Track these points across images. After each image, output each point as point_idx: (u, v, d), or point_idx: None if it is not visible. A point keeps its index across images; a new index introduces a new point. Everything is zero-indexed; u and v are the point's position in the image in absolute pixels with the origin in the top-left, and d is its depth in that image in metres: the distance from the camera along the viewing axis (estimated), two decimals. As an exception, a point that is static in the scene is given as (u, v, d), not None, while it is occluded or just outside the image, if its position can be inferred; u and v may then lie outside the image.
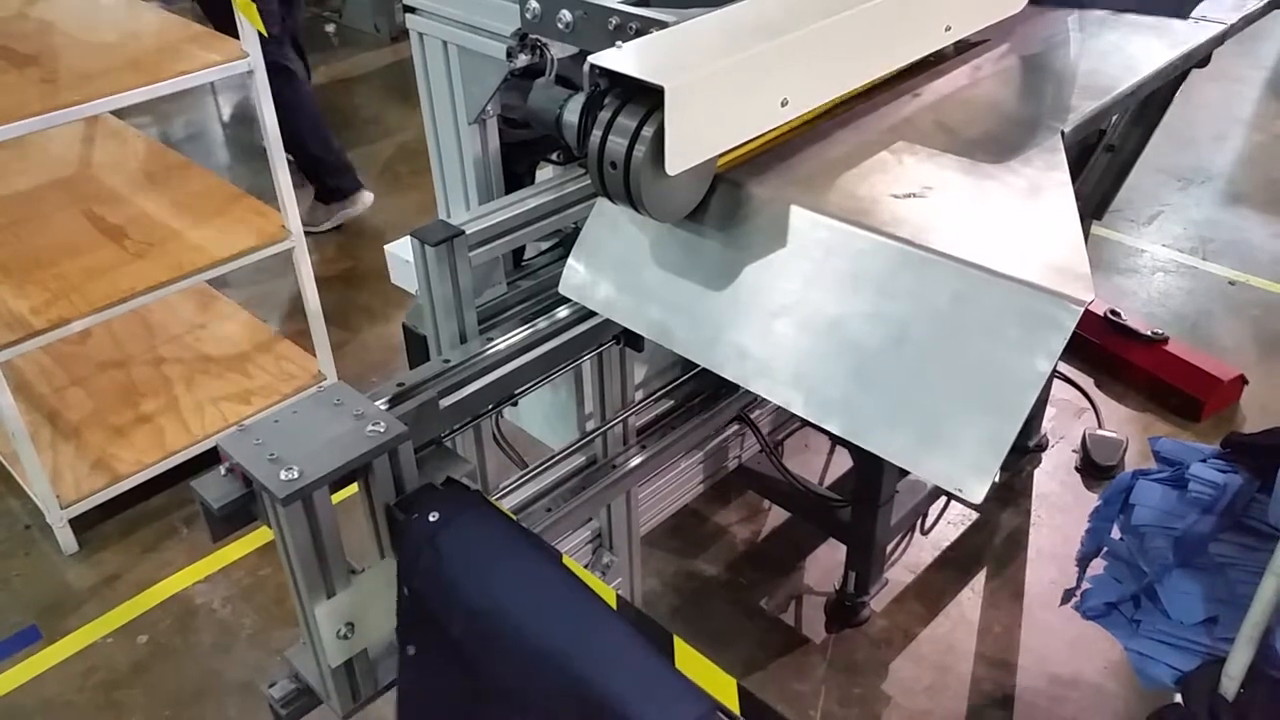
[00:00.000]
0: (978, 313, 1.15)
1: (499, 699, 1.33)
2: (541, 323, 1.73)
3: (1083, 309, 1.10)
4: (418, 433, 1.46)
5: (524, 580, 1.30)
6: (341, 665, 1.45)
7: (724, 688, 1.19)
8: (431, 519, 1.33)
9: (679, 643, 1.24)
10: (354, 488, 1.38)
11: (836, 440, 2.58)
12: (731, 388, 2.11)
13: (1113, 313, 3.47)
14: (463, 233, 1.68)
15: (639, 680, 1.18)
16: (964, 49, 1.66)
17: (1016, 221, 1.26)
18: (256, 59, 2.77)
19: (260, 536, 2.93)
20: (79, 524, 2.94)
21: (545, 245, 2.15)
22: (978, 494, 1.11)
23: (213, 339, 3.53)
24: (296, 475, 1.26)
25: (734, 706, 1.18)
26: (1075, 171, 1.38)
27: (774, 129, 1.36)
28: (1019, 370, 1.12)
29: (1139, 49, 1.71)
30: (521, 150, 2.15)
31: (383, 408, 1.47)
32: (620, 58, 1.22)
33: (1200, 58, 1.85)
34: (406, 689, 1.47)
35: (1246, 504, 2.47)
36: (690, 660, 1.23)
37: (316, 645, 1.44)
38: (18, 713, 2.52)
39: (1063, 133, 1.44)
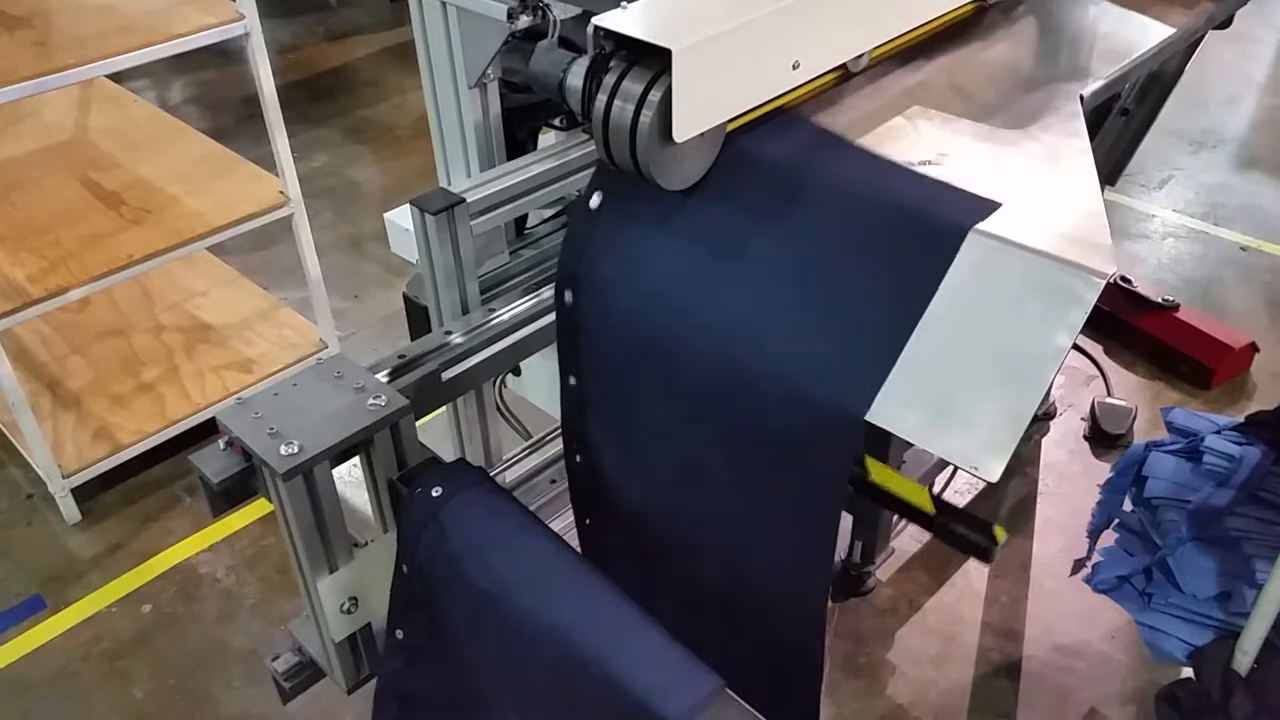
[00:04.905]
0: (995, 285, 1.12)
1: (498, 680, 1.32)
2: (545, 292, 1.69)
3: (1104, 281, 1.06)
4: (420, 405, 1.43)
5: (530, 557, 1.28)
6: (345, 639, 1.44)
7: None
8: (434, 493, 1.31)
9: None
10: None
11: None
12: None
13: (1123, 279, 3.43)
14: (464, 201, 1.65)
15: (648, 659, 1.16)
16: (981, 9, 1.61)
17: (1035, 190, 1.22)
18: (253, 22, 2.72)
19: (264, 505, 2.90)
20: (81, 493, 2.92)
21: (548, 213, 2.11)
22: (994, 473, 1.08)
23: (213, 307, 3.50)
24: (296, 450, 1.24)
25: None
26: (1089, 136, 1.34)
27: (785, 93, 1.32)
28: (1037, 344, 1.08)
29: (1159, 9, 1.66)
30: (523, 115, 2.10)
31: (383, 380, 1.44)
32: (626, 19, 1.18)
33: (1221, 19, 1.80)
34: (389, 676, 1.46)
35: (1262, 477, 2.44)
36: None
37: (320, 619, 1.43)
38: (23, 682, 2.53)
39: (1082, 97, 1.40)
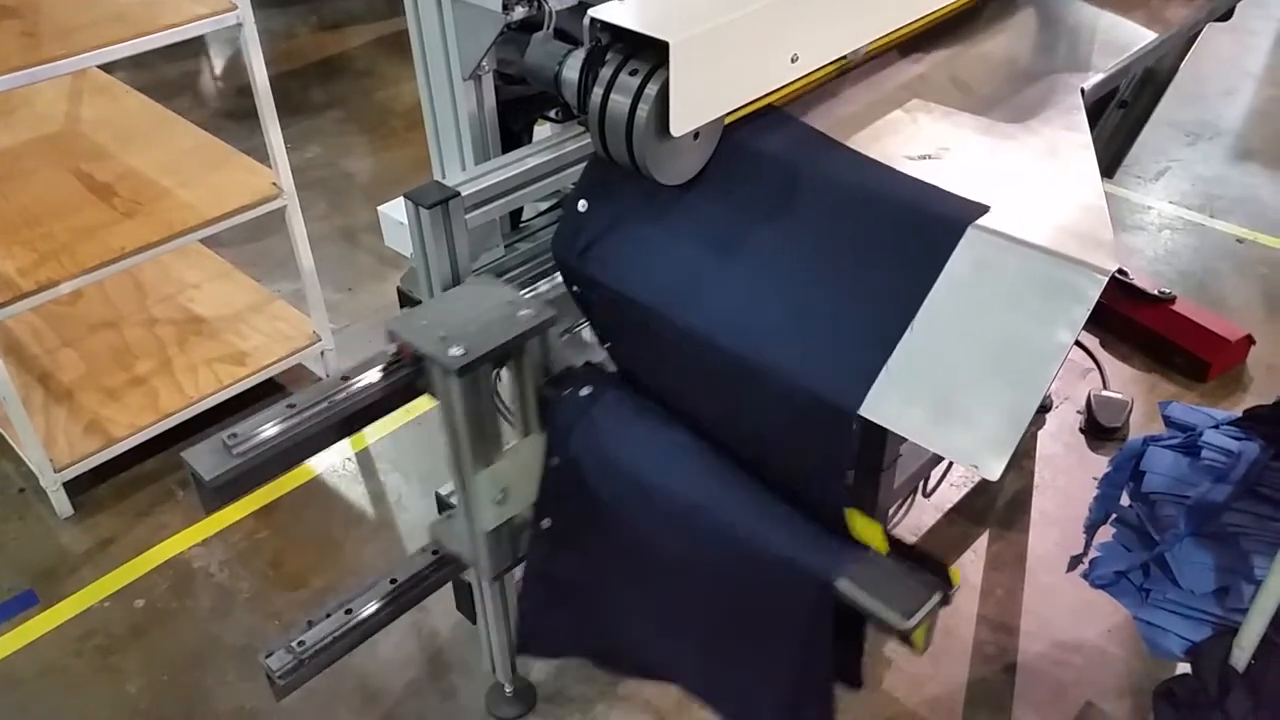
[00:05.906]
0: (996, 281, 1.11)
1: (644, 556, 1.44)
2: (541, 286, 1.69)
3: (1107, 278, 1.05)
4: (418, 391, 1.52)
5: (675, 446, 1.40)
6: (492, 531, 1.58)
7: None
8: (583, 393, 1.46)
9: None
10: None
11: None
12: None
13: (1119, 271, 3.42)
14: (458, 194, 1.63)
15: (791, 530, 1.28)
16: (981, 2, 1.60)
17: (1036, 185, 1.21)
18: (245, 11, 2.70)
19: (256, 500, 2.91)
20: (73, 487, 2.91)
21: (544, 206, 2.10)
22: (995, 471, 1.07)
23: (206, 299, 3.48)
24: (464, 351, 1.38)
25: (882, 548, 1.30)
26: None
27: (783, 86, 1.31)
28: (1039, 342, 1.08)
29: (1159, 3, 1.65)
30: (519, 107, 2.08)
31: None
32: (622, 11, 1.17)
33: (1222, 11, 1.79)
34: (536, 562, 1.60)
35: (1261, 472, 2.43)
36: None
37: (473, 511, 1.56)
38: (15, 677, 2.51)
39: (1083, 91, 1.39)
